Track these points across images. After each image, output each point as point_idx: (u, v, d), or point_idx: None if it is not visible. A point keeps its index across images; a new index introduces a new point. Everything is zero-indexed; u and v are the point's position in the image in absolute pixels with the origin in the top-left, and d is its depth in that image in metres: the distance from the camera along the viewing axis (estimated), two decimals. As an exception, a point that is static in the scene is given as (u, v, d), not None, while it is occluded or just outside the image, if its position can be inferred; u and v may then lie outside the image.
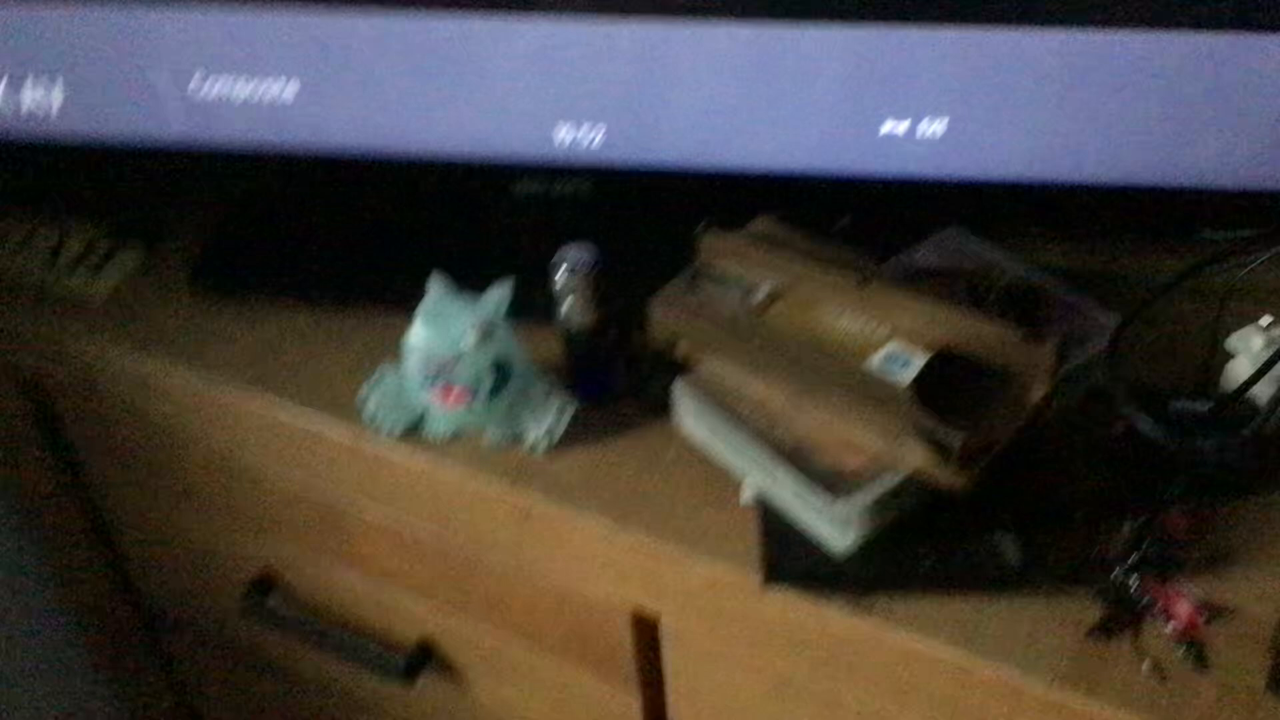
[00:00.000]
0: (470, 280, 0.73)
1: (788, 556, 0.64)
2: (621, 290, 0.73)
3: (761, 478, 0.66)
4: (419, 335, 0.71)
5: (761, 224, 0.71)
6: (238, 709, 1.12)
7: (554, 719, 0.87)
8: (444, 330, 0.70)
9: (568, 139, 0.78)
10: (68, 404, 0.92)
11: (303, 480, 0.83)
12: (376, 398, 0.75)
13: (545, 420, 0.73)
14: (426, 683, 0.91)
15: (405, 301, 0.80)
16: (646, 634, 0.76)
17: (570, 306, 0.73)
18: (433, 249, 0.81)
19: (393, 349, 0.75)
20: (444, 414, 0.73)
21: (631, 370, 0.76)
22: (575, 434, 0.74)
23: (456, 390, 0.71)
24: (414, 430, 0.76)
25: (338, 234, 0.87)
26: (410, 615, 0.88)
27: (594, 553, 0.72)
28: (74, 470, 0.98)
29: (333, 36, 0.76)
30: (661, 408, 0.74)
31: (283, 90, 0.79)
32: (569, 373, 0.75)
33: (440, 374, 0.71)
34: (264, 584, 0.93)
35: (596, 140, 0.77)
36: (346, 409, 0.77)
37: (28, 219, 0.91)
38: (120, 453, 0.93)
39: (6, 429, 0.96)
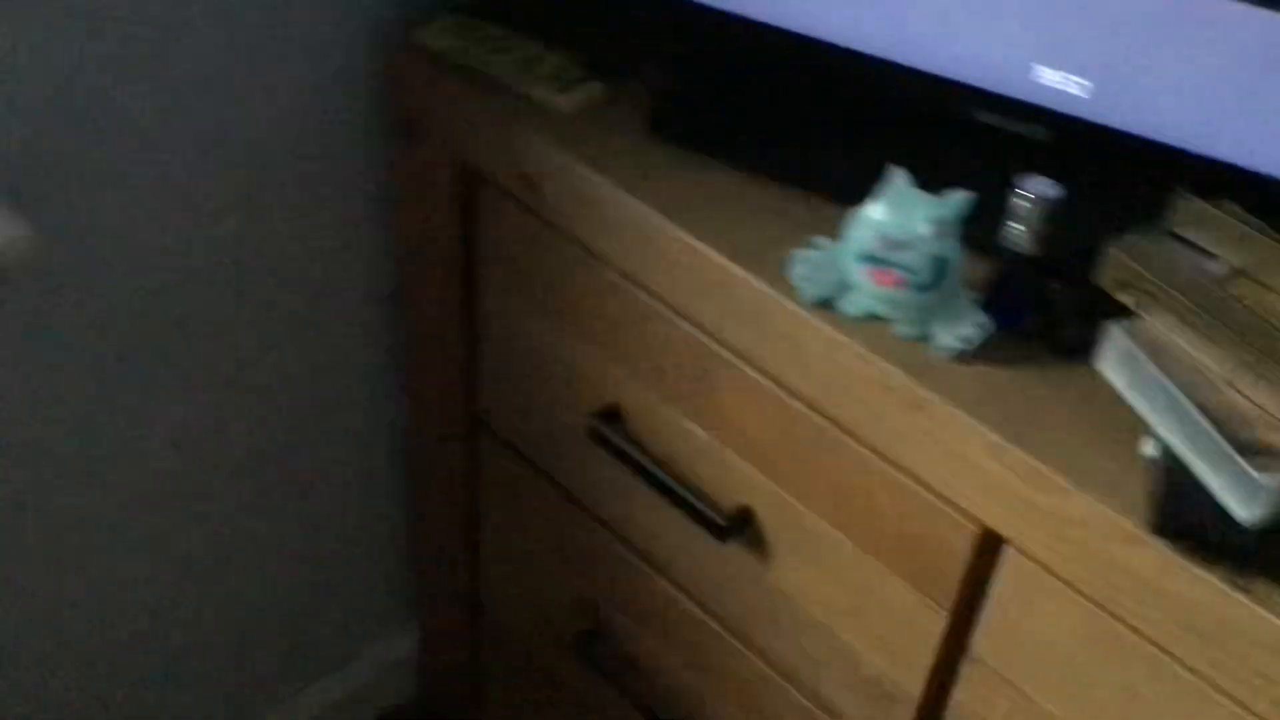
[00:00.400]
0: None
1: (1182, 513, 0.67)
2: (1067, 234, 0.76)
3: (1176, 435, 0.68)
4: (877, 212, 0.75)
5: (1230, 205, 0.73)
6: (519, 528, 1.20)
7: (846, 614, 0.91)
8: (903, 215, 0.75)
9: (1050, 82, 0.81)
10: (490, 201, 1.01)
11: (691, 324, 0.89)
12: (805, 263, 0.80)
13: (959, 328, 0.77)
14: (734, 549, 0.96)
15: (843, 193, 0.85)
16: (987, 555, 0.80)
17: (1018, 233, 0.76)
18: (881, 151, 0.85)
19: (823, 231, 0.82)
20: (870, 293, 0.78)
21: (1047, 311, 0.79)
22: (981, 353, 0.78)
23: (894, 274, 0.76)
24: (826, 304, 0.81)
25: (793, 115, 0.92)
26: (741, 480, 0.93)
27: (973, 461, 0.76)
28: (468, 273, 1.07)
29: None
30: (1069, 350, 0.77)
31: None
32: (993, 296, 0.79)
33: (884, 255, 0.75)
34: (611, 415, 1.00)
35: (1078, 91, 0.80)
36: (764, 268, 0.83)
37: (505, 30, 1.00)
38: (521, 260, 1.01)
39: (425, 213, 1.06)
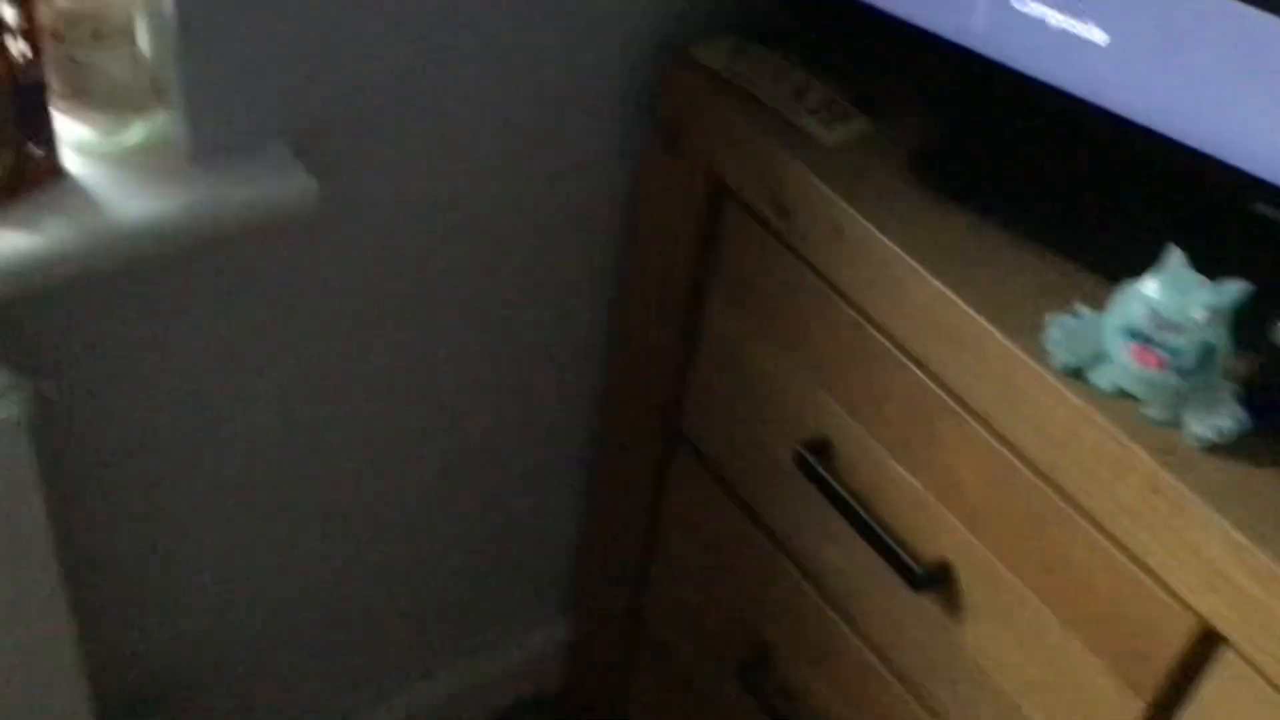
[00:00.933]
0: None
1: None
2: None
3: None
4: (1151, 290, 0.75)
5: None
6: (699, 547, 1.21)
7: (1035, 688, 0.90)
8: (1178, 296, 0.74)
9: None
10: (736, 219, 1.02)
11: (923, 371, 0.89)
12: (1062, 329, 0.80)
13: (1215, 419, 0.76)
14: (924, 601, 0.95)
15: (1103, 265, 0.85)
16: (1201, 652, 0.78)
17: (1291, 331, 0.75)
18: (1151, 228, 0.84)
19: (1075, 299, 0.82)
20: (1127, 370, 0.77)
21: (1305, 415, 0.77)
22: (1234, 448, 0.76)
23: (1158, 355, 0.75)
24: (1076, 373, 0.80)
25: (1061, 178, 0.92)
26: (945, 533, 0.93)
27: (1207, 555, 0.74)
28: (696, 285, 1.09)
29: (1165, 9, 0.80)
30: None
31: (1090, 34, 0.85)
32: (1254, 391, 0.77)
33: (1151, 334, 0.74)
34: (820, 447, 1.00)
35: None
36: (1013, 327, 0.83)
37: (778, 58, 1.02)
38: (756, 281, 1.02)
39: (668, 219, 1.08)
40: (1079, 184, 0.92)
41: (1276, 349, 0.76)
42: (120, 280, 0.92)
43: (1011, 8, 0.86)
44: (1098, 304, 0.83)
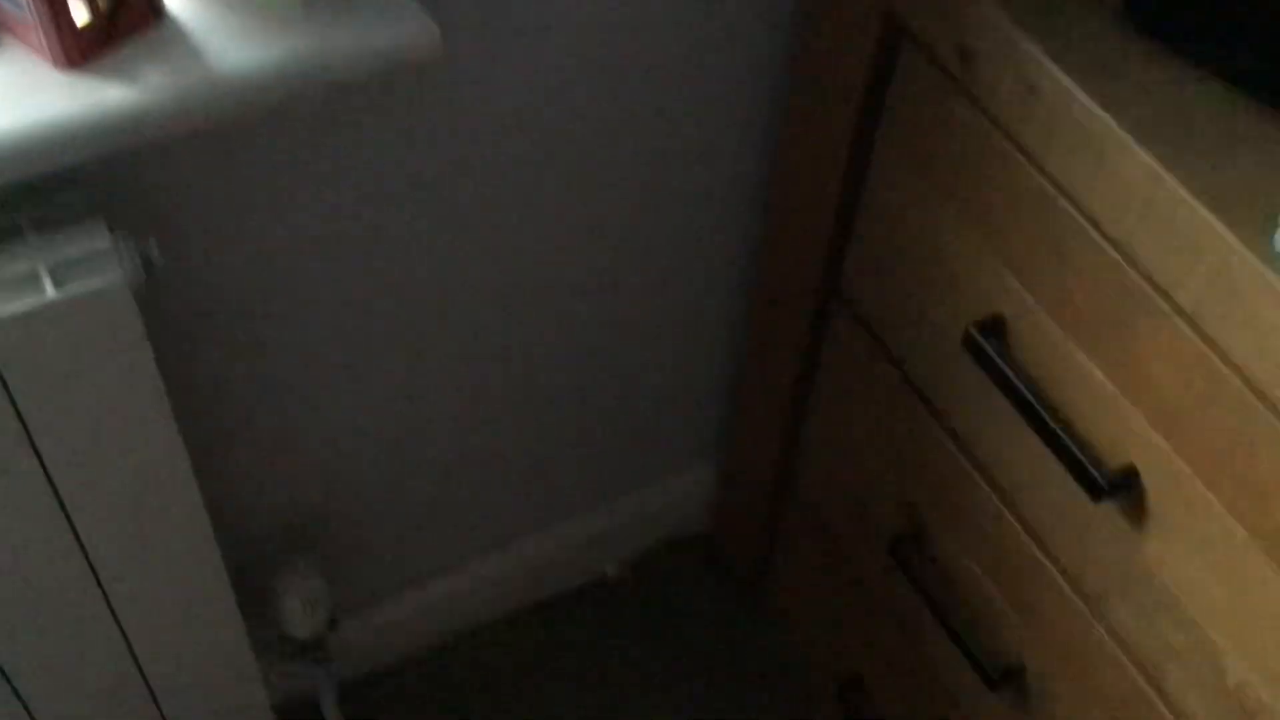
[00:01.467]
0: None
1: None
2: None
3: None
4: None
5: None
6: (854, 414, 1.12)
7: (1221, 612, 0.80)
8: None
9: None
10: (913, 66, 0.89)
11: (1123, 258, 0.77)
12: (1302, 226, 0.67)
13: None
14: (1107, 510, 0.85)
15: None
16: None
17: None
18: None
19: None
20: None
21: None
22: None
23: None
24: (1313, 278, 0.67)
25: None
26: (1134, 438, 0.82)
27: None
28: (862, 137, 0.97)
29: None
30: None
31: None
32: None
33: None
34: (994, 327, 0.90)
35: None
36: (1240, 218, 0.70)
37: None
38: (932, 139, 0.89)
39: (834, 63, 0.95)
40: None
41: None
42: (227, 134, 0.85)
43: None
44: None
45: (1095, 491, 0.83)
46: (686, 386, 1.34)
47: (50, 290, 0.76)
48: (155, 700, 1.05)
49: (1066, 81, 0.76)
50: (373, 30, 0.79)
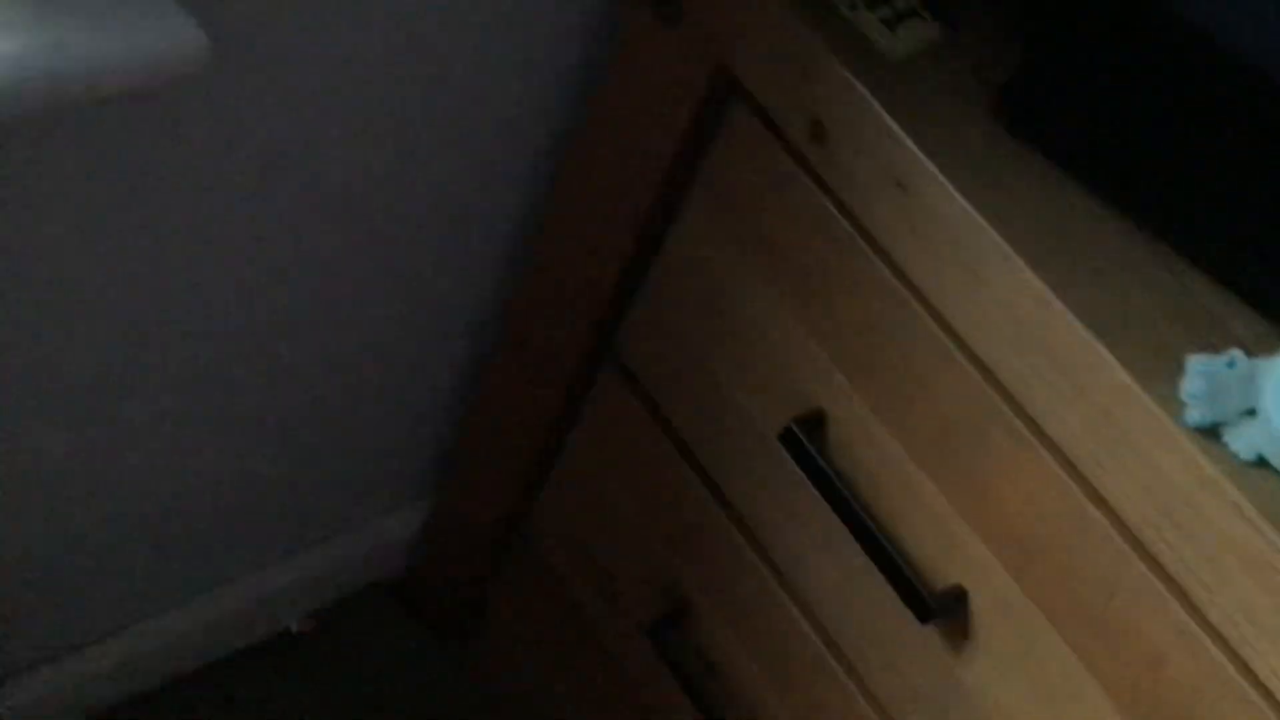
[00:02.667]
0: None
1: None
2: None
3: None
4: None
5: None
6: (615, 477, 1.02)
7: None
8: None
9: None
10: (741, 126, 0.79)
11: (982, 375, 0.71)
12: (1208, 379, 0.62)
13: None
14: (931, 632, 0.80)
15: (1251, 286, 0.68)
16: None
17: None
18: None
19: (1216, 316, 0.67)
20: (1283, 444, 0.60)
21: None
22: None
23: (1340, 437, 0.58)
24: (1210, 429, 0.63)
25: (1203, 155, 0.72)
26: (967, 561, 0.76)
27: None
28: (665, 191, 0.86)
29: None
30: None
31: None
32: None
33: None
34: (815, 423, 0.81)
35: None
36: (1129, 355, 0.65)
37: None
38: (758, 207, 0.80)
39: (644, 107, 0.83)
40: (1221, 163, 0.72)
41: None
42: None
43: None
44: (1233, 334, 0.66)
45: (922, 613, 0.77)
46: (401, 426, 1.19)
47: None
48: None
49: (942, 181, 0.69)
50: (127, 36, 0.60)
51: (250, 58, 0.72)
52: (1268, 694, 0.64)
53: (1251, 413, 0.62)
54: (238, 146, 0.78)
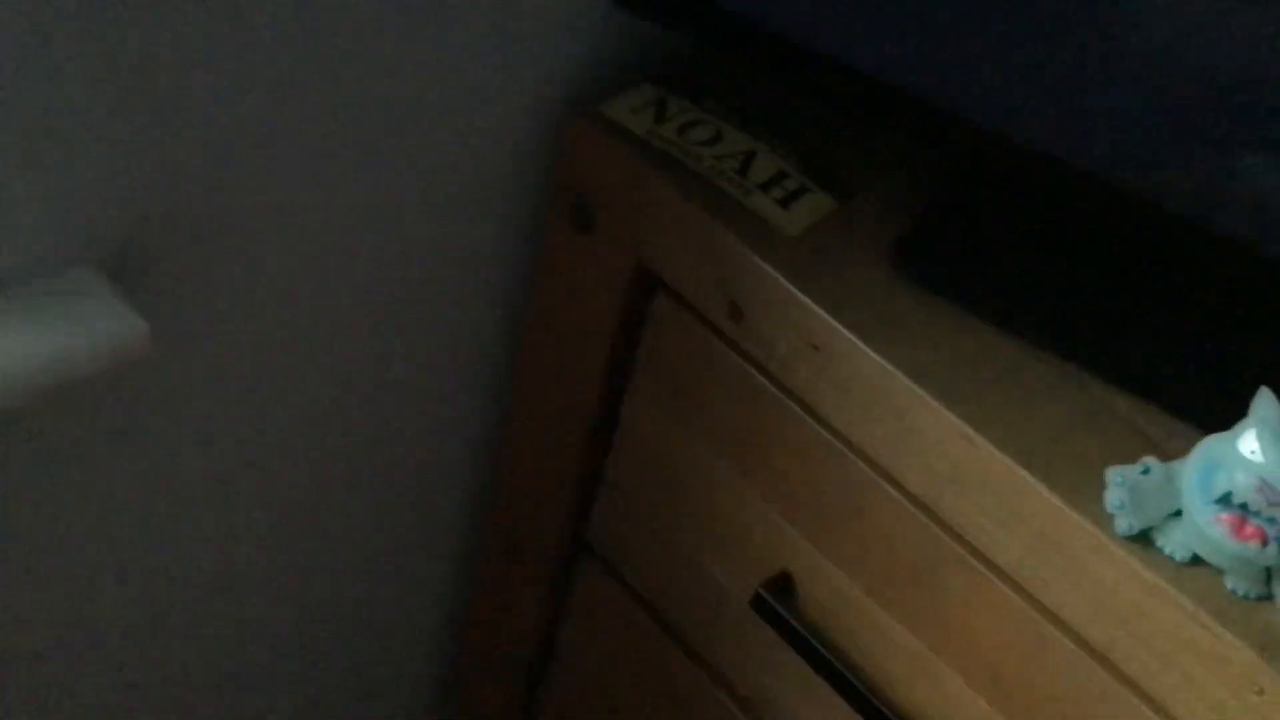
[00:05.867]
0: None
1: None
2: None
3: None
4: (1253, 452, 0.60)
5: None
6: (609, 666, 1.04)
7: None
8: (1289, 461, 0.60)
9: None
10: (668, 316, 0.83)
11: (925, 514, 0.74)
12: (1127, 490, 0.65)
13: (1318, 596, 0.63)
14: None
15: (1153, 386, 0.72)
16: None
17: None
18: (1215, 344, 0.71)
19: (1127, 433, 0.69)
20: (1210, 541, 0.63)
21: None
22: (1335, 624, 0.64)
23: (1258, 529, 0.61)
24: (1141, 534, 0.66)
25: (1095, 277, 0.77)
26: (944, 698, 0.78)
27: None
28: (608, 387, 0.90)
29: None
30: None
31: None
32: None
33: (1258, 508, 0.60)
34: (784, 585, 0.84)
35: None
36: (1052, 475, 0.68)
37: (712, 114, 0.83)
38: (695, 387, 0.84)
39: (575, 311, 0.88)
40: (1121, 284, 0.76)
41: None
42: None
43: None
44: (1151, 439, 0.69)
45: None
46: (396, 648, 1.20)
47: None
48: None
49: (853, 339, 0.73)
50: (65, 328, 0.65)
51: (191, 343, 0.76)
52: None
53: (1178, 514, 0.64)
54: (184, 423, 0.81)
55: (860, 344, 0.72)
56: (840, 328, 0.73)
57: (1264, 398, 0.61)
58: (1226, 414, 0.64)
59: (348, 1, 0.69)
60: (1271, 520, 0.60)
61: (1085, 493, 0.67)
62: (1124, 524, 0.65)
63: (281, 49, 0.68)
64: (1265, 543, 0.61)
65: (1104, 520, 0.66)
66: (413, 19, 0.73)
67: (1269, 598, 0.64)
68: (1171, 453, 0.68)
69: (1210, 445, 0.62)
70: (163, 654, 0.96)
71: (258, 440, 0.87)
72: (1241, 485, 0.60)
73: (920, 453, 0.72)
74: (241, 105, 0.68)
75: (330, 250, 0.80)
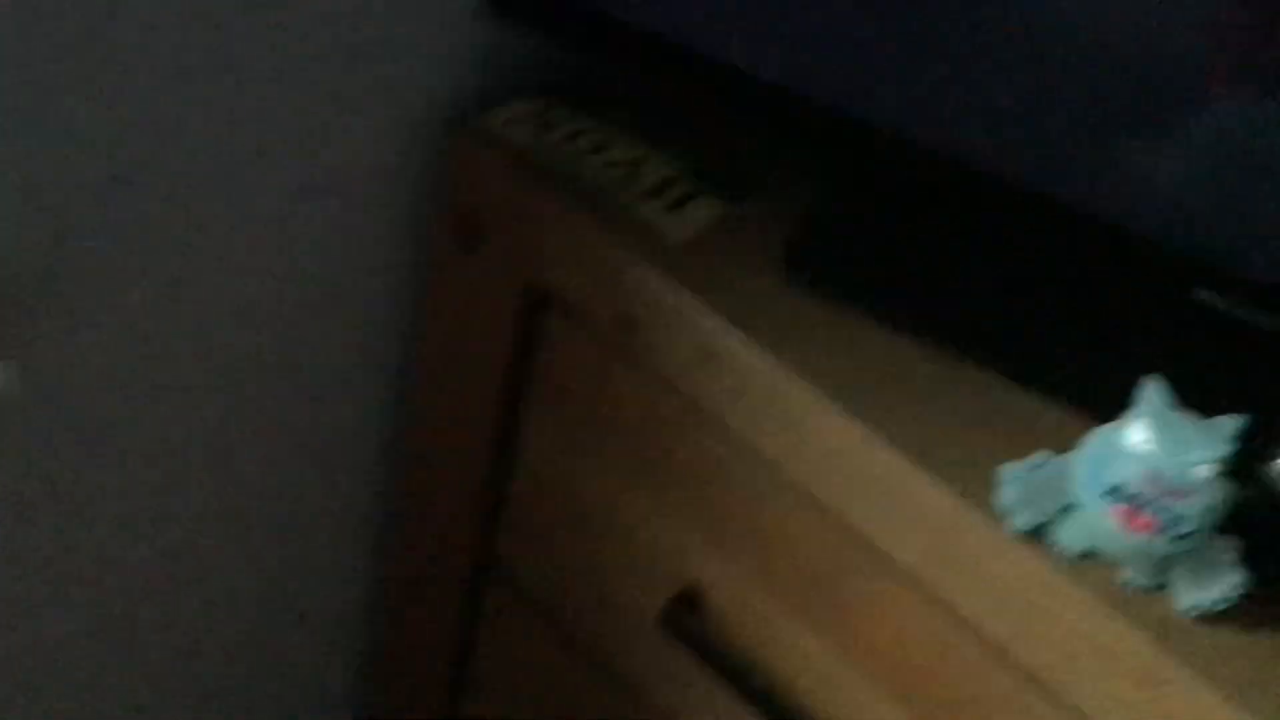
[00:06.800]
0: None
1: None
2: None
3: None
4: (1142, 442, 0.60)
5: None
6: (524, 692, 1.02)
7: None
8: (1177, 451, 0.60)
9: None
10: (561, 331, 0.82)
11: (826, 517, 0.73)
12: (1019, 485, 0.64)
13: (1212, 583, 0.63)
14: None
15: (1036, 376, 0.72)
16: None
17: (1291, 471, 0.62)
18: (1096, 331, 0.72)
19: (1011, 421, 0.69)
20: (1103, 532, 0.62)
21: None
22: (1232, 613, 0.63)
23: (1149, 519, 0.61)
24: (1037, 529, 0.65)
25: (978, 270, 0.76)
26: (856, 706, 0.77)
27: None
28: (506, 408, 0.88)
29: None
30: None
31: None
32: (1251, 541, 0.64)
33: (1149, 499, 0.60)
34: (687, 598, 0.83)
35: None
36: (948, 473, 0.67)
37: (597, 123, 0.82)
38: (593, 402, 0.83)
39: (469, 332, 0.87)
40: (1005, 276, 0.76)
41: (1269, 489, 0.64)
42: None
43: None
44: (1044, 431, 0.69)
45: (830, 767, 0.77)
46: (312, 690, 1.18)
47: None
48: None
49: (748, 346, 0.72)
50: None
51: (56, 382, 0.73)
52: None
53: (1072, 507, 0.64)
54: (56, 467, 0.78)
55: (755, 350, 0.72)
56: (734, 334, 0.72)
57: (1149, 387, 0.61)
58: (1121, 405, 0.64)
59: (208, 16, 0.67)
60: (1163, 509, 0.60)
61: (981, 491, 0.67)
62: (1019, 520, 0.64)
63: (142, 70, 0.66)
64: (1157, 533, 0.61)
65: (1000, 518, 0.66)
66: (279, 32, 0.71)
67: (1164, 588, 0.64)
68: (1067, 446, 0.68)
69: (1100, 437, 0.62)
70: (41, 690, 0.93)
71: (131, 493, 0.84)
72: (1131, 476, 0.60)
73: (821, 458, 0.71)
74: (98, 132, 0.66)
75: (203, 275, 0.78)
